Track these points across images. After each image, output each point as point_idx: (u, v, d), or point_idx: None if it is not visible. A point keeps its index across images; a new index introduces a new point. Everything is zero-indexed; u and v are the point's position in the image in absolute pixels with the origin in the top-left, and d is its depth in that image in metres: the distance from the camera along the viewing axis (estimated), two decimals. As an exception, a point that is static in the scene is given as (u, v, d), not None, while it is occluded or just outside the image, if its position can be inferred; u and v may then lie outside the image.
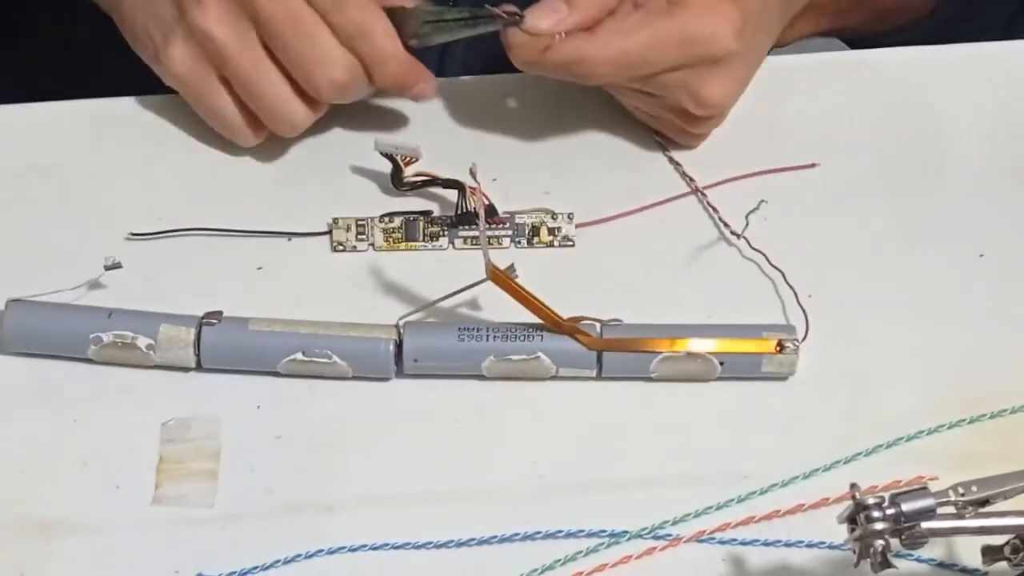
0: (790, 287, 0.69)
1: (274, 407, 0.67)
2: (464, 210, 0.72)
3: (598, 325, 0.67)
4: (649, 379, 0.67)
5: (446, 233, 0.72)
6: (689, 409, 0.67)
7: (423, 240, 0.72)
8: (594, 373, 0.67)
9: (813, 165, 0.74)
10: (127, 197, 0.74)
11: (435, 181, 0.72)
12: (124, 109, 0.77)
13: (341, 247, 0.72)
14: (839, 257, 0.72)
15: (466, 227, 0.72)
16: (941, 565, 0.63)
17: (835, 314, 0.69)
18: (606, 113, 0.76)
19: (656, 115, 0.74)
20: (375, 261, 0.72)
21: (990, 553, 0.57)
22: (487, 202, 0.71)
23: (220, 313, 0.67)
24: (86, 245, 0.71)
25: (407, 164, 0.72)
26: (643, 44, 0.68)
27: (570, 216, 0.72)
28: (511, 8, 0.68)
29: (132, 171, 0.75)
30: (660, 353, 0.66)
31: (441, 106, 0.77)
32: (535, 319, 0.66)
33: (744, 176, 0.74)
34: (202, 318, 0.67)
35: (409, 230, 0.72)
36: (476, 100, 0.77)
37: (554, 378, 0.67)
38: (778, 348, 0.66)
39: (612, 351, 0.66)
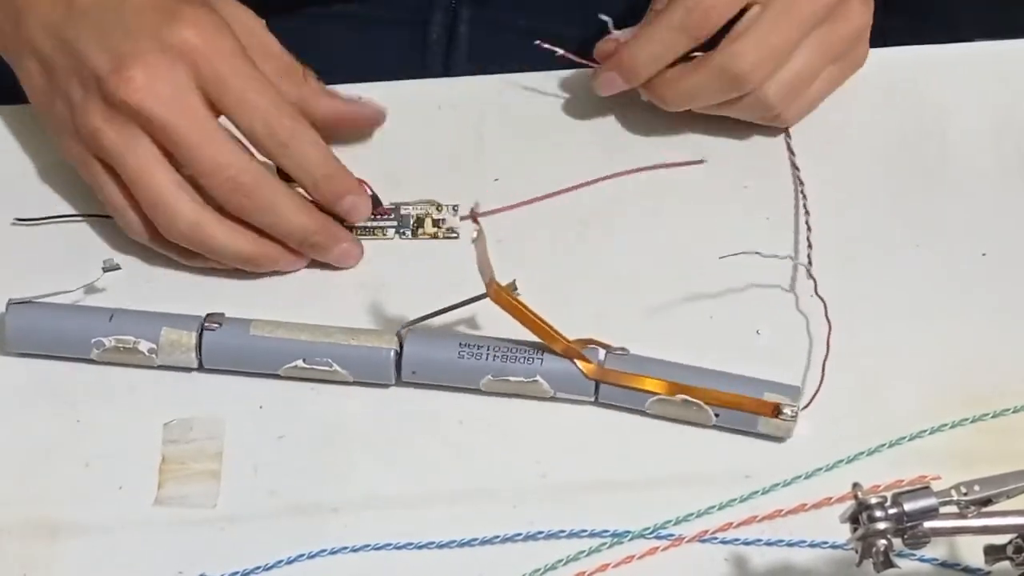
0: (828, 316, 0.69)
1: (276, 407, 0.67)
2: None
3: (602, 352, 0.66)
4: (644, 414, 0.67)
5: None
6: (691, 409, 0.67)
7: None
8: (592, 399, 0.67)
9: (701, 161, 0.75)
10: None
11: None
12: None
13: None
14: (841, 256, 0.72)
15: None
16: (943, 565, 0.63)
17: (836, 313, 0.69)
18: (610, 113, 0.76)
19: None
20: (380, 257, 0.72)
21: (993, 553, 0.57)
22: (370, 192, 0.72)
23: (222, 315, 0.67)
24: (90, 245, 0.71)
25: None
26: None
27: (455, 208, 0.73)
28: None
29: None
30: (656, 395, 0.66)
31: (441, 106, 0.77)
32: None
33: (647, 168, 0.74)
34: (203, 321, 0.67)
35: None
36: (476, 100, 0.77)
37: (552, 399, 0.67)
38: (774, 413, 0.65)
39: (609, 384, 0.66)
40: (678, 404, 0.66)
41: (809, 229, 0.72)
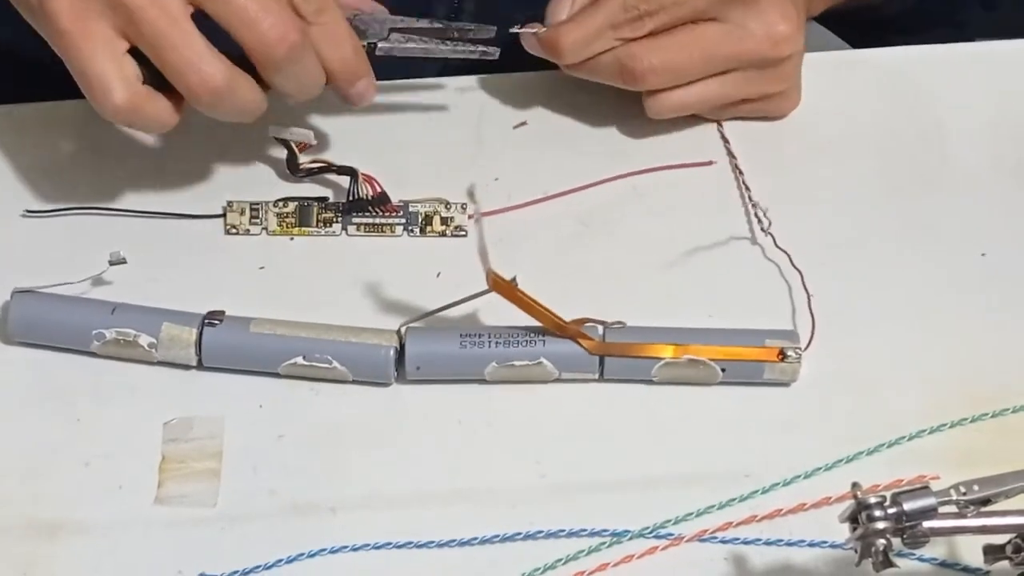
0: (804, 289, 0.69)
1: (276, 406, 0.67)
2: (356, 196, 0.72)
3: (600, 328, 0.67)
4: (651, 382, 0.67)
5: (339, 219, 0.73)
6: (691, 409, 0.67)
7: (316, 225, 0.73)
8: (596, 376, 0.67)
9: (711, 162, 0.75)
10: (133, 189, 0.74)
11: (329, 168, 0.73)
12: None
13: (235, 230, 0.73)
14: (840, 257, 0.72)
15: (359, 213, 0.73)
16: (943, 564, 0.63)
17: (836, 313, 0.69)
18: (608, 111, 0.76)
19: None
20: (387, 255, 0.72)
21: (992, 552, 0.57)
22: (380, 189, 0.72)
23: (223, 313, 0.67)
24: (98, 238, 0.72)
25: (301, 150, 0.73)
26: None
27: (463, 206, 0.73)
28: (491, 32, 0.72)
29: (140, 164, 0.75)
30: (662, 359, 0.66)
31: (441, 105, 0.77)
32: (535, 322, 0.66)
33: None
34: (204, 317, 0.67)
35: (302, 215, 0.73)
36: (476, 100, 0.77)
37: (557, 380, 0.67)
38: (780, 357, 0.66)
39: (614, 356, 0.66)
40: (684, 365, 0.66)
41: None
